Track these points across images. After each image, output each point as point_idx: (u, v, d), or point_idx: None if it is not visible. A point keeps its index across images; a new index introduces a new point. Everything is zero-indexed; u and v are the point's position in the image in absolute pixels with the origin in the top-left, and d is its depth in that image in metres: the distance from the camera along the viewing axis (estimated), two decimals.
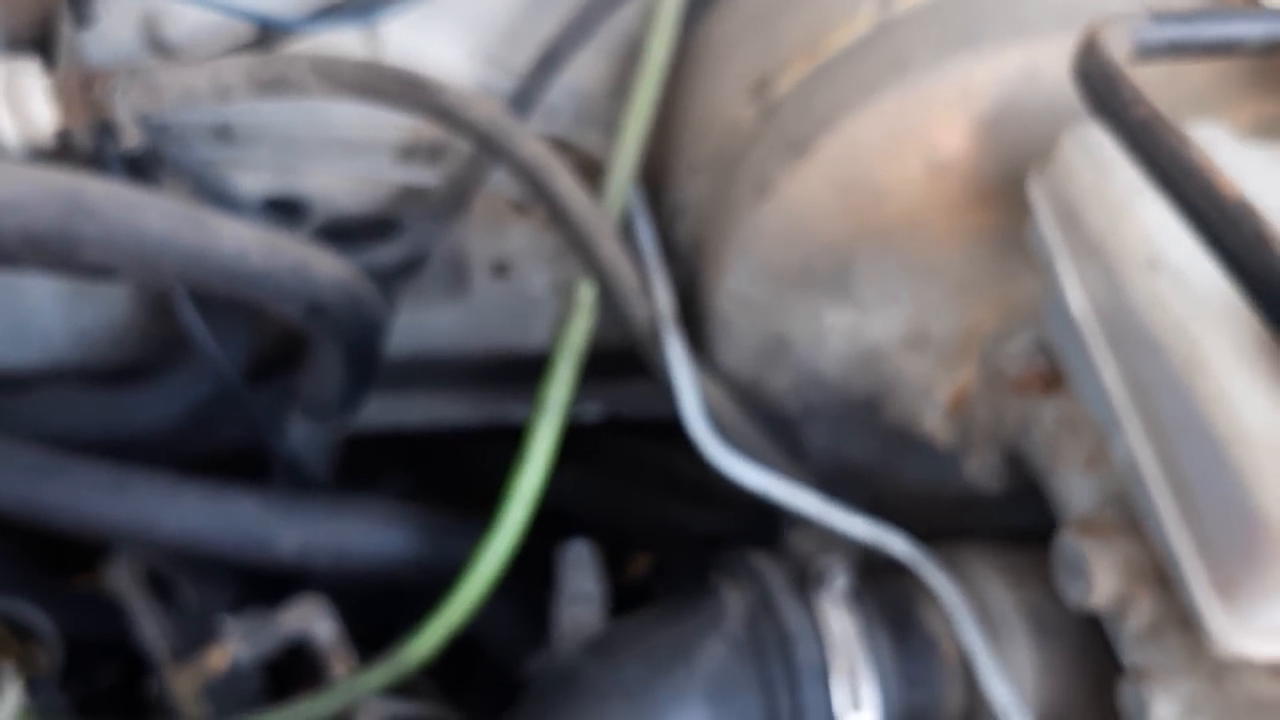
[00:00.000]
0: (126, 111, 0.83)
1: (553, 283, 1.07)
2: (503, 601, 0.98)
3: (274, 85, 0.85)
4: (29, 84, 0.83)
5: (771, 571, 0.79)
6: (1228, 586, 0.60)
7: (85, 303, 1.02)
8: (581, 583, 0.87)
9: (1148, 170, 0.58)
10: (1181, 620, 0.66)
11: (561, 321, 0.92)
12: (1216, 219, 0.54)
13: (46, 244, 0.77)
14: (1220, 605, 0.60)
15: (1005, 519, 0.87)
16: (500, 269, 1.07)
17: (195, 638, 0.94)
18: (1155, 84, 0.68)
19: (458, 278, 1.07)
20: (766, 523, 0.90)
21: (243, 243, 0.83)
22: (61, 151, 0.85)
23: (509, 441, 0.93)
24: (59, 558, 1.10)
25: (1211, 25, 0.67)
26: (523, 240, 1.06)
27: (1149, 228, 0.64)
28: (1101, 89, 0.61)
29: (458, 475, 1.20)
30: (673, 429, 0.88)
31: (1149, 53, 0.65)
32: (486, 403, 1.12)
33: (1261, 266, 0.52)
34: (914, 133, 0.79)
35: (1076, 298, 0.69)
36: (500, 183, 0.99)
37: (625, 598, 0.90)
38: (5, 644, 0.98)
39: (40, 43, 0.88)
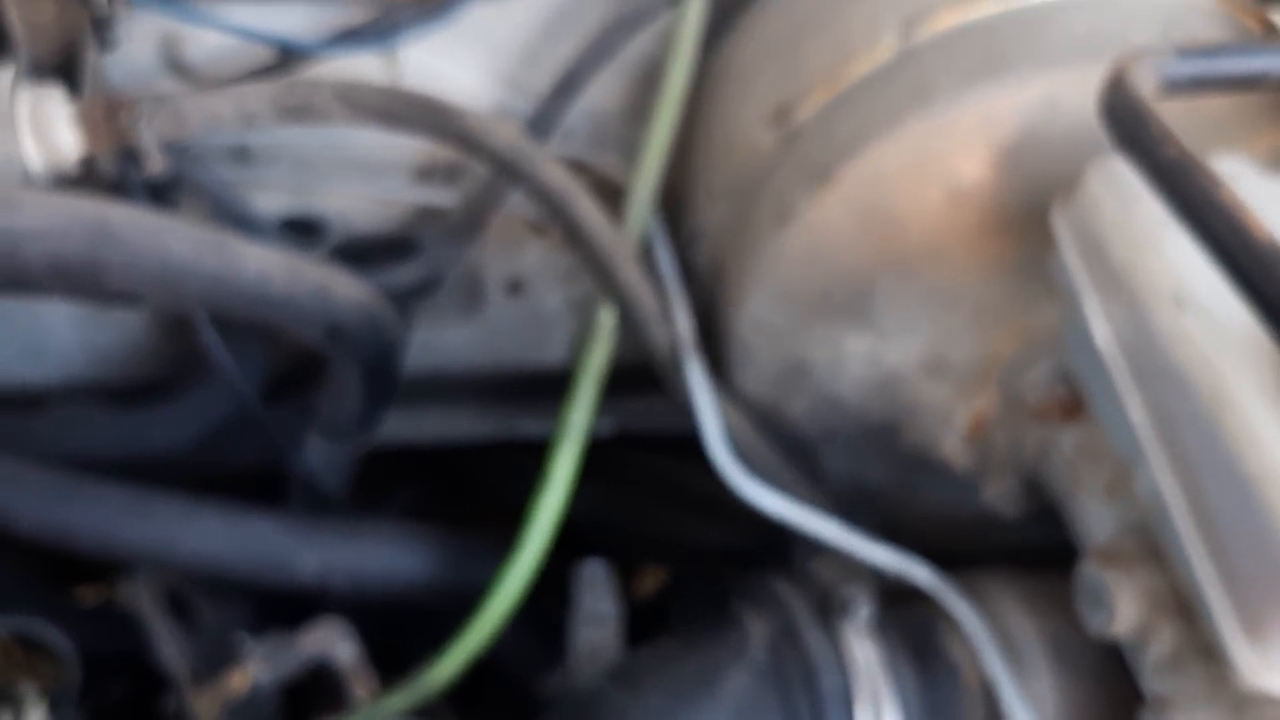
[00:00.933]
0: (151, 138, 0.84)
1: (567, 301, 1.07)
2: (516, 619, 0.98)
3: (298, 112, 0.85)
4: (54, 111, 0.83)
5: (794, 600, 0.80)
6: (1254, 622, 0.60)
7: (102, 322, 1.02)
8: (597, 603, 0.88)
9: (1177, 211, 0.59)
10: (1203, 651, 0.66)
11: (582, 345, 0.92)
12: (1247, 262, 0.54)
13: (72, 272, 0.77)
14: (1246, 640, 0.61)
15: (1021, 541, 0.87)
16: (515, 287, 1.07)
17: (214, 658, 0.94)
18: (1175, 114, 0.68)
19: (473, 296, 1.08)
20: (778, 538, 0.90)
21: (265, 267, 0.83)
22: (85, 178, 0.85)
23: (520, 456, 0.94)
24: (63, 568, 1.10)
25: (1236, 60, 0.68)
26: (538, 259, 1.06)
27: (1174, 263, 0.64)
28: (1129, 126, 0.62)
29: (472, 489, 1.21)
30: (684, 444, 0.89)
31: (1175, 88, 0.65)
32: (500, 418, 1.12)
33: None
34: (935, 161, 0.80)
35: (1101, 330, 0.69)
36: (516, 202, 0.99)
37: (638, 616, 0.91)
38: (24, 662, 0.99)
39: (64, 69, 0.88)
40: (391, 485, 1.18)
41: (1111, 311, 0.68)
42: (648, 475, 1.16)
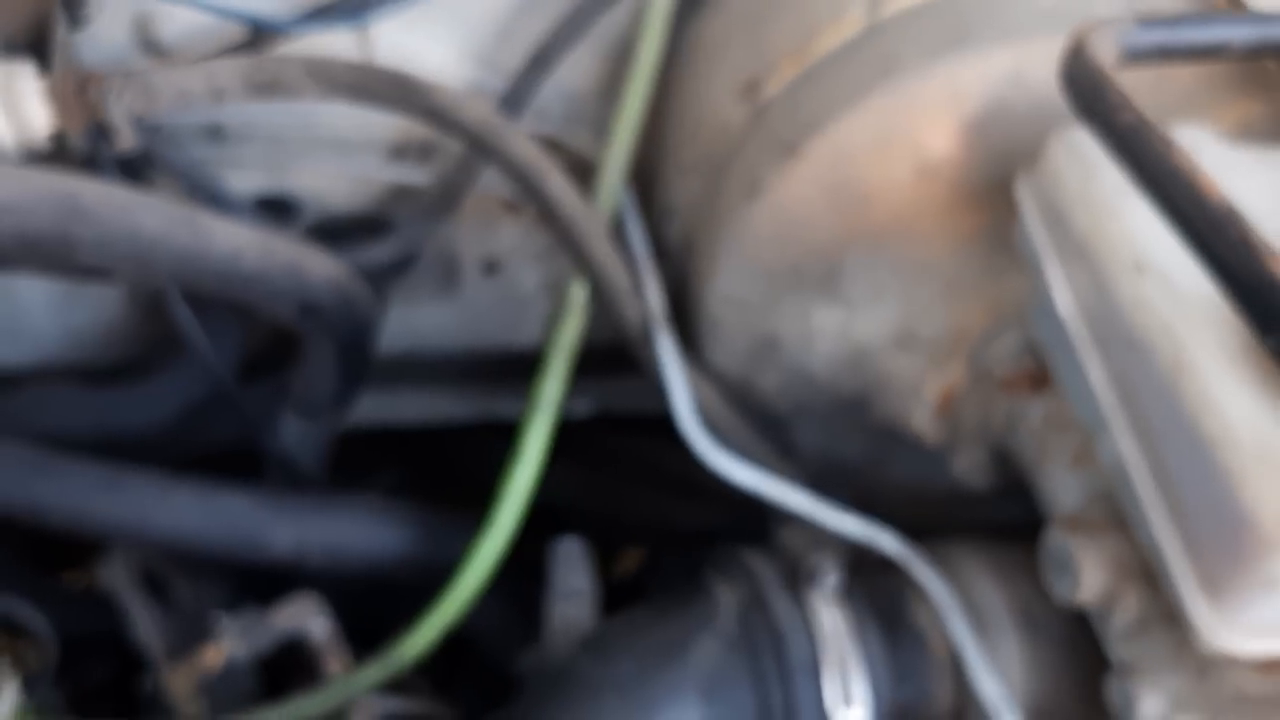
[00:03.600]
0: (122, 114, 0.84)
1: (543, 280, 1.08)
2: (492, 597, 0.98)
3: (268, 87, 0.85)
4: (24, 86, 0.83)
5: (763, 569, 0.80)
6: (1214, 584, 0.61)
7: (77, 302, 1.02)
8: (573, 579, 0.88)
9: (1134, 175, 0.59)
10: (1167, 616, 0.67)
11: (554, 321, 0.93)
12: (1202, 223, 0.55)
13: (42, 246, 0.77)
14: (1206, 602, 0.61)
15: (993, 515, 0.88)
16: (491, 267, 1.07)
17: (190, 635, 0.95)
18: (1142, 86, 0.69)
19: (448, 275, 1.08)
20: (755, 518, 0.90)
21: (236, 243, 0.83)
22: (56, 153, 0.85)
23: (498, 437, 0.94)
24: (49, 553, 1.10)
25: (1197, 30, 0.68)
26: (513, 238, 1.06)
27: (1135, 230, 0.65)
28: (1088, 94, 0.62)
29: (447, 471, 1.21)
30: (661, 425, 0.89)
31: (1135, 57, 0.66)
32: (477, 399, 1.12)
33: (1246, 270, 0.53)
34: (902, 134, 0.80)
35: (1064, 299, 0.70)
36: (491, 181, 1.00)
37: (615, 594, 0.91)
38: (2, 642, 0.99)
39: (35, 45, 0.88)
40: (370, 468, 1.19)
41: (1074, 279, 0.69)
42: (627, 457, 1.16)
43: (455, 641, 0.97)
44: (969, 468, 0.86)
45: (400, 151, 1.00)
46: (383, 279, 1.00)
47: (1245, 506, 0.57)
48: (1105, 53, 0.63)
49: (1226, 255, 0.54)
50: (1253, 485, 0.57)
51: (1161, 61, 0.67)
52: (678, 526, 1.12)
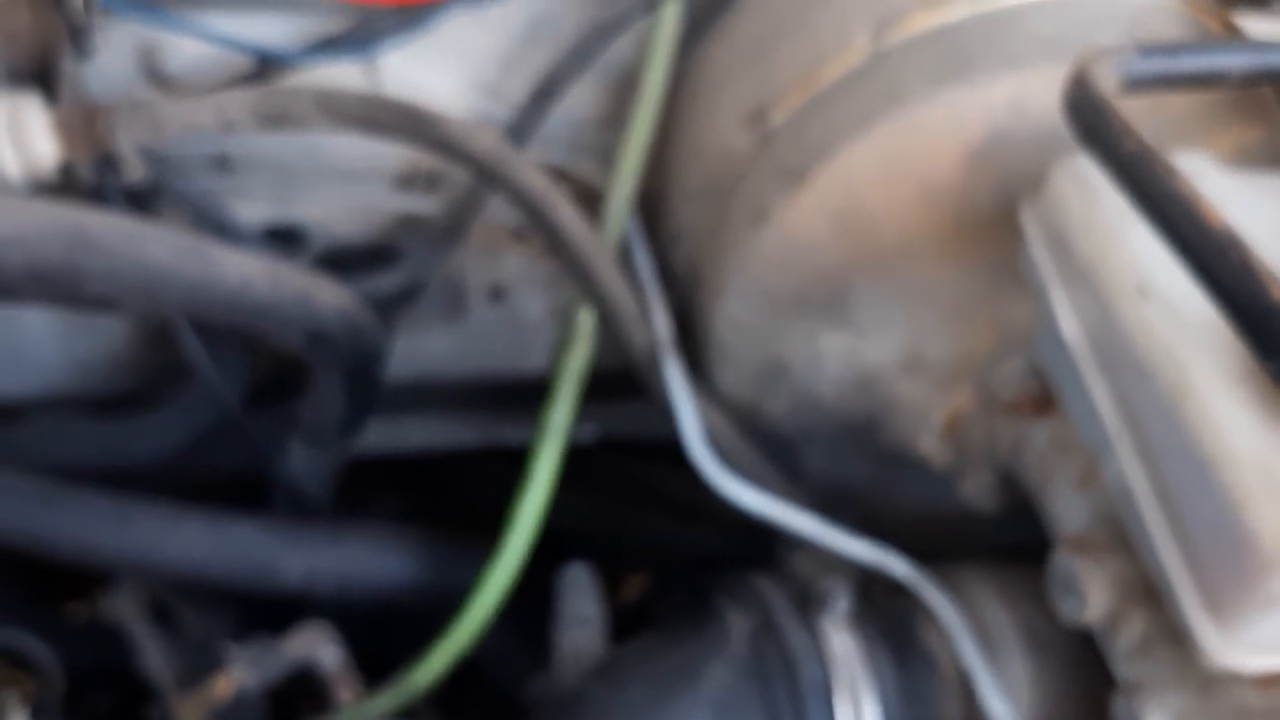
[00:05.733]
0: (129, 145, 0.84)
1: (549, 307, 1.08)
2: (500, 623, 0.99)
3: (277, 119, 0.86)
4: (31, 118, 0.84)
5: (774, 594, 0.81)
6: (1217, 602, 0.61)
7: (82, 333, 1.03)
8: (581, 606, 0.88)
9: (1136, 201, 0.60)
10: (1171, 635, 0.68)
11: (562, 347, 0.93)
12: (1203, 249, 0.56)
13: (50, 277, 0.77)
14: (1210, 621, 0.62)
15: (1000, 537, 0.89)
16: (497, 294, 1.08)
17: (198, 665, 0.95)
18: (1140, 112, 0.70)
19: (455, 303, 1.08)
20: (761, 542, 0.91)
21: (245, 273, 0.84)
22: (64, 185, 0.86)
23: (505, 464, 0.94)
24: (53, 584, 1.10)
25: (1196, 58, 0.69)
26: (519, 266, 1.07)
27: (1137, 255, 0.65)
28: (1090, 121, 0.63)
29: (454, 499, 1.21)
30: (667, 450, 0.90)
31: (1136, 85, 0.67)
32: (483, 426, 1.13)
33: (1246, 295, 0.54)
34: (907, 162, 0.81)
35: (1068, 323, 0.71)
36: (496, 210, 1.00)
37: (622, 620, 0.91)
38: (7, 675, 0.99)
39: (40, 77, 0.89)
40: (378, 496, 1.19)
41: (1078, 304, 0.70)
42: (634, 483, 1.17)
43: (464, 668, 0.98)
44: (976, 490, 0.87)
45: (407, 181, 1.01)
46: (390, 308, 1.00)
47: (1247, 526, 0.58)
48: (1106, 81, 0.64)
49: (1228, 280, 0.55)
50: (1254, 505, 0.58)
51: (1162, 89, 0.68)
52: (684, 551, 1.12)
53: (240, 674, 0.92)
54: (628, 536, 1.15)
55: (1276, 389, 0.56)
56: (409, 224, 1.03)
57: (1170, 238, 0.58)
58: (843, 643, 0.77)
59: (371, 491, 1.18)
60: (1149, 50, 0.68)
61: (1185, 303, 0.62)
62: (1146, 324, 0.64)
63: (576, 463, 1.00)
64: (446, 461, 1.16)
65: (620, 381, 0.94)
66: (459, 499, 1.21)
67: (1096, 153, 0.63)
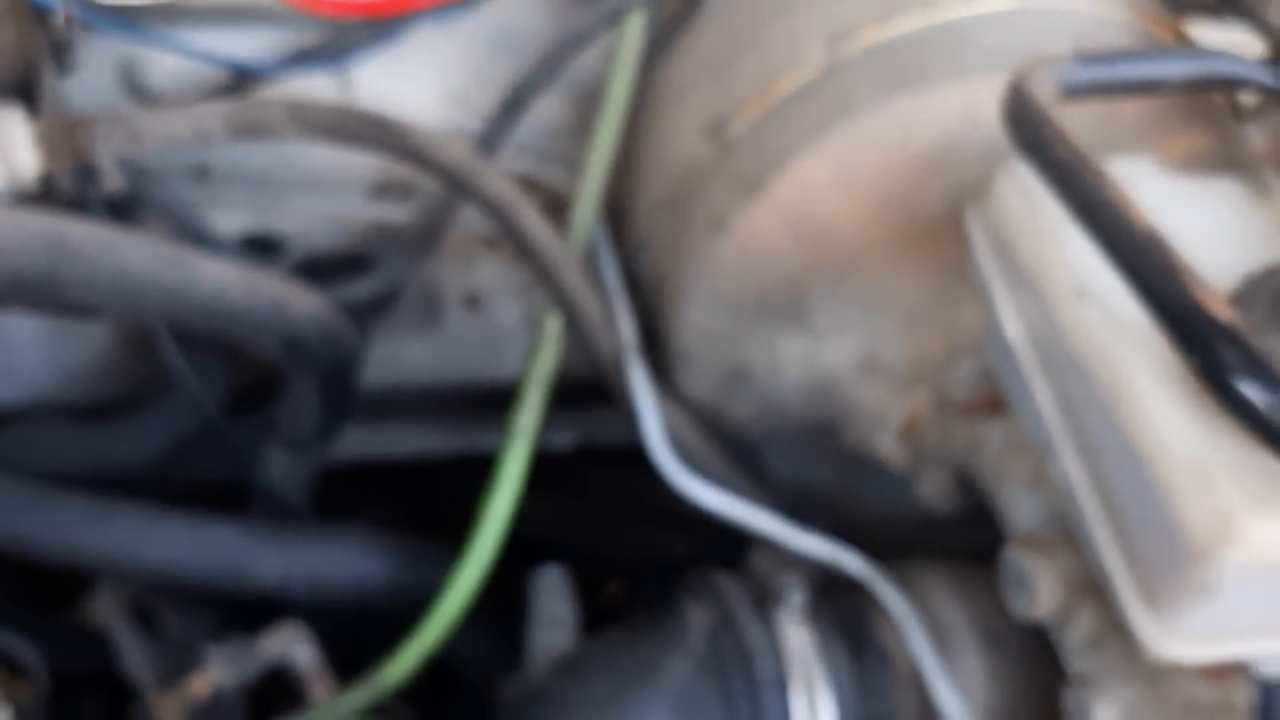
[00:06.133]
0: (108, 156, 0.86)
1: (523, 315, 1.10)
2: (478, 627, 1.00)
3: (251, 130, 0.88)
4: (13, 130, 0.86)
5: (732, 590, 0.83)
6: (1153, 594, 0.63)
7: (67, 340, 1.04)
8: (554, 607, 0.90)
9: (1068, 205, 0.62)
10: (1119, 630, 0.69)
11: (530, 351, 0.95)
12: (1129, 250, 0.58)
13: (31, 284, 0.79)
14: (1147, 612, 0.64)
15: (963, 540, 0.90)
16: (472, 302, 1.10)
17: (179, 665, 0.96)
18: (1090, 120, 0.72)
19: (430, 311, 1.10)
20: (734, 548, 0.93)
21: (221, 280, 0.86)
22: (45, 194, 0.88)
23: (482, 471, 0.96)
24: (42, 591, 1.12)
25: (1134, 66, 0.72)
26: (493, 274, 1.09)
27: (1076, 258, 0.67)
28: (1026, 129, 0.65)
29: (433, 505, 1.23)
30: (643, 457, 0.91)
31: (1074, 93, 0.69)
32: (460, 433, 1.14)
33: (1169, 294, 0.56)
34: (861, 170, 0.83)
35: (1012, 325, 0.73)
36: (471, 219, 1.02)
37: (598, 623, 0.93)
38: None
39: (23, 90, 0.91)
40: (357, 504, 1.20)
41: (1020, 306, 0.72)
42: (608, 489, 1.19)
43: (442, 671, 0.99)
44: (933, 491, 0.88)
45: (382, 191, 1.03)
46: (366, 315, 1.02)
47: (1178, 518, 0.60)
48: (1044, 89, 0.66)
49: (1152, 280, 0.57)
50: (1185, 497, 0.60)
51: (1100, 96, 0.70)
52: (660, 557, 1.14)
53: (218, 673, 0.93)
54: (607, 543, 1.17)
55: (1202, 384, 0.58)
56: (384, 233, 1.04)
57: (1099, 239, 0.60)
58: (798, 637, 0.79)
59: (354, 500, 1.19)
60: (1087, 59, 0.70)
61: (1121, 304, 0.64)
62: (1084, 325, 0.66)
63: (556, 471, 1.02)
64: (427, 469, 1.18)
65: (596, 389, 0.95)
66: (438, 506, 1.22)
67: (1031, 158, 0.65)
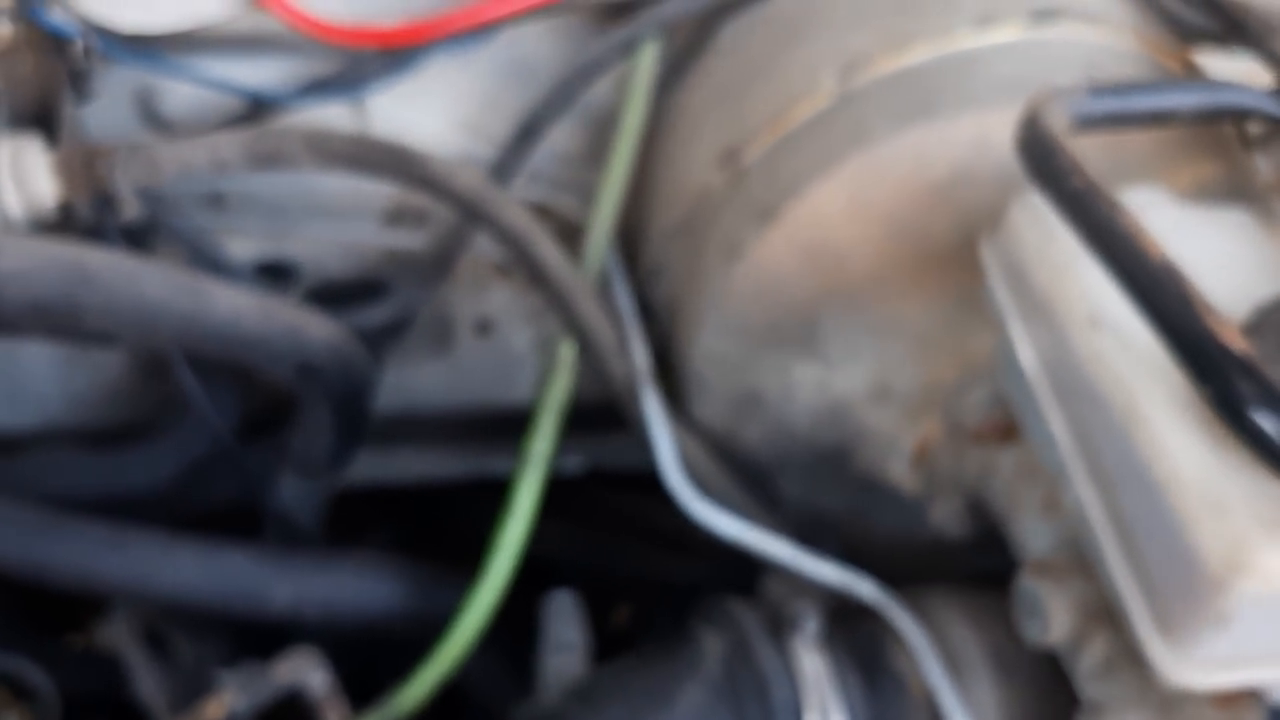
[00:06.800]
0: (126, 185, 0.87)
1: (534, 340, 1.11)
2: (489, 652, 1.00)
3: (268, 159, 0.89)
4: (32, 160, 0.87)
5: (747, 617, 0.83)
6: (1168, 622, 0.63)
7: (79, 366, 1.05)
8: (565, 632, 0.90)
9: (1082, 235, 0.63)
10: (1133, 656, 0.69)
11: (544, 378, 0.96)
12: (1142, 279, 0.59)
13: (51, 312, 0.80)
14: (1161, 639, 0.64)
15: (974, 566, 0.91)
16: (483, 328, 1.10)
17: (191, 691, 0.96)
18: (1100, 150, 0.73)
19: (443, 336, 1.11)
20: (745, 573, 0.93)
21: (236, 307, 0.86)
22: (63, 223, 0.88)
23: (493, 495, 0.97)
24: (52, 615, 1.12)
25: (1146, 97, 0.72)
26: (505, 300, 1.09)
27: (1090, 288, 0.68)
28: (1040, 159, 0.66)
29: (444, 531, 1.23)
30: (654, 482, 0.92)
31: (1087, 124, 0.69)
32: (472, 458, 1.15)
33: (1182, 322, 0.57)
34: (874, 199, 0.84)
35: (1026, 353, 0.73)
36: (483, 246, 1.03)
37: (608, 647, 0.93)
38: (3, 699, 1.01)
39: (42, 119, 0.92)
40: (369, 529, 1.21)
41: (1034, 335, 0.72)
42: (619, 513, 1.19)
43: (454, 697, 1.00)
44: (945, 517, 0.89)
45: (396, 218, 1.04)
46: (379, 340, 1.03)
47: (1193, 547, 0.60)
48: (1057, 120, 0.67)
49: (1165, 309, 0.57)
50: (1200, 527, 0.60)
51: (1112, 128, 0.71)
52: (669, 581, 1.14)
53: (231, 698, 0.93)
54: (617, 567, 1.17)
55: (1215, 413, 0.59)
56: (398, 259, 1.05)
57: (1113, 270, 0.61)
58: (813, 664, 0.79)
59: (366, 524, 1.20)
60: (1100, 90, 0.70)
61: (1135, 333, 0.65)
62: (1098, 353, 0.67)
63: (566, 495, 1.02)
64: (440, 494, 1.18)
65: (607, 414, 0.96)
66: (451, 532, 1.23)
67: (1045, 189, 0.66)
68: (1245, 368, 0.55)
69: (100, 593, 0.97)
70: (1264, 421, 0.55)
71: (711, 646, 0.82)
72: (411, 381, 1.10)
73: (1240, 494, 0.60)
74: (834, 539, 0.91)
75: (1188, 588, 0.61)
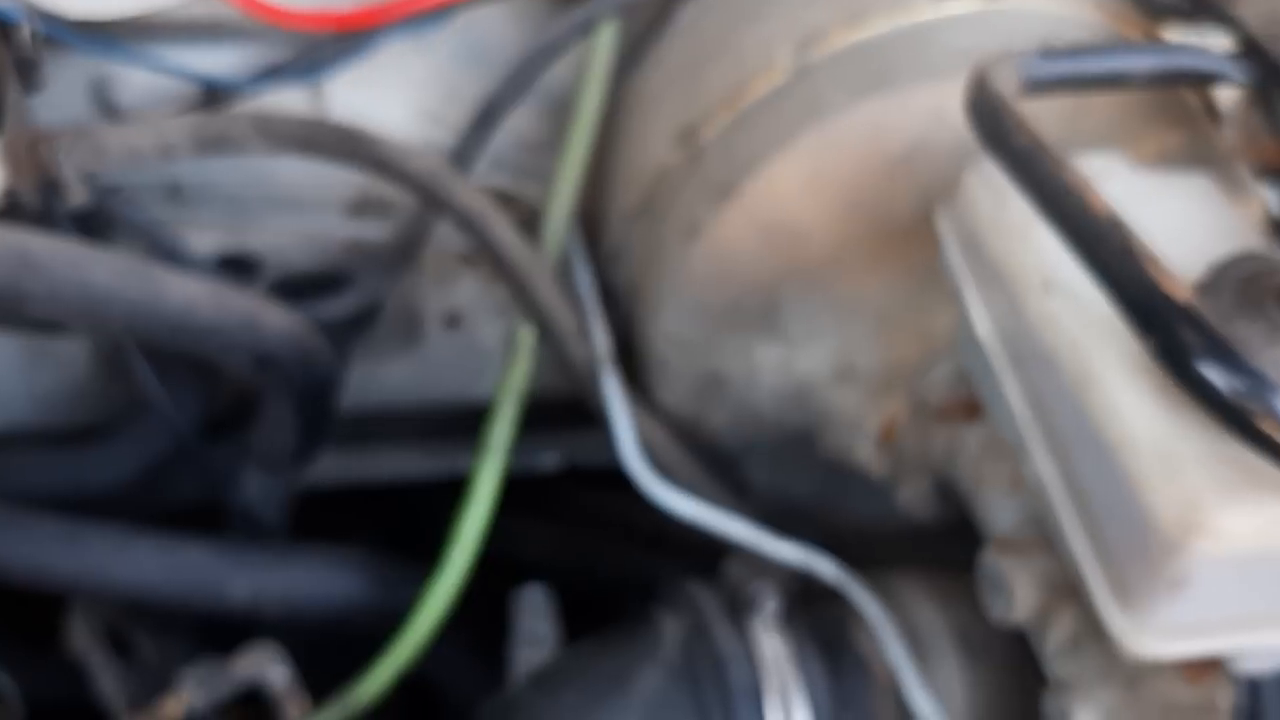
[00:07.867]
0: (71, 170, 0.85)
1: (503, 333, 1.09)
2: (463, 651, 0.99)
3: (216, 142, 0.88)
4: None
5: (705, 598, 0.82)
6: (1125, 590, 0.62)
7: (44, 366, 1.04)
8: (536, 626, 0.89)
9: (1028, 193, 0.62)
10: (1098, 632, 0.68)
11: (504, 365, 0.94)
12: (1088, 234, 0.57)
13: None
14: (1120, 609, 0.63)
15: (948, 552, 0.89)
16: (452, 321, 1.09)
17: (153, 689, 0.95)
18: (1060, 118, 0.72)
19: (411, 330, 1.09)
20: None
21: (190, 296, 0.85)
22: (10, 211, 0.87)
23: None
24: (19, 619, 1.11)
25: (1099, 60, 0.71)
26: (473, 292, 1.08)
27: (1043, 252, 0.67)
28: (988, 121, 0.65)
29: (416, 530, 1.22)
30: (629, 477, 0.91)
31: (1038, 86, 0.68)
32: (441, 455, 1.13)
33: (1126, 275, 0.55)
34: (831, 174, 0.83)
35: (982, 323, 0.72)
36: (449, 237, 1.02)
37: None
38: None
39: None
40: (340, 530, 1.19)
41: (990, 303, 0.71)
42: (596, 511, 1.18)
43: (427, 694, 0.98)
44: (912, 498, 0.87)
45: (359, 209, 1.03)
46: (344, 333, 1.02)
47: (1147, 509, 0.59)
48: (1006, 82, 0.66)
49: (1110, 262, 0.56)
50: (1153, 488, 0.59)
51: (1064, 91, 0.70)
52: (649, 579, 1.12)
53: (190, 694, 0.92)
54: (595, 566, 1.16)
55: (1164, 370, 0.57)
56: (362, 251, 1.04)
57: (1058, 225, 0.59)
58: (773, 645, 0.78)
59: (336, 525, 1.18)
60: (1050, 53, 0.69)
61: (1088, 296, 0.63)
62: (1051, 317, 0.66)
63: (543, 493, 1.01)
64: (419, 495, 1.17)
65: (581, 408, 0.95)
66: (421, 530, 1.21)
67: (993, 151, 0.64)
68: (1189, 317, 0.54)
69: (56, 589, 0.95)
70: (1211, 373, 0.54)
71: (670, 629, 0.81)
72: (380, 377, 1.09)
73: (1194, 454, 0.59)
74: (805, 525, 0.90)
75: (1143, 552, 0.60)
